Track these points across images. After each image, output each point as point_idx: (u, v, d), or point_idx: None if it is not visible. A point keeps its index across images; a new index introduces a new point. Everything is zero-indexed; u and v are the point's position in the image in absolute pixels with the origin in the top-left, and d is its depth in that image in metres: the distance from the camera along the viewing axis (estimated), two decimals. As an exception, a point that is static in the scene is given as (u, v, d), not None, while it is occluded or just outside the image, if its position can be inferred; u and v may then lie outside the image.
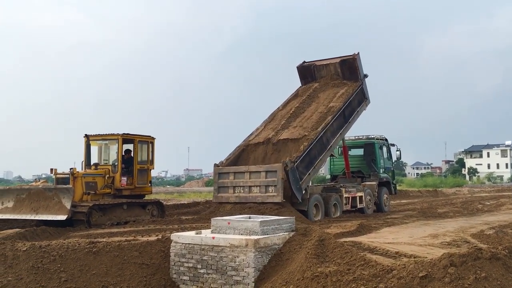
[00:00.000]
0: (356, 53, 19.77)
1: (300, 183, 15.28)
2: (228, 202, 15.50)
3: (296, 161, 15.12)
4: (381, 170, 20.83)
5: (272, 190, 14.63)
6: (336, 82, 19.84)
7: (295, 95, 20.10)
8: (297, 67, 20.93)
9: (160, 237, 9.81)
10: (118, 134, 15.49)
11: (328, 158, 22.35)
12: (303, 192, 15.44)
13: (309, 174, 15.97)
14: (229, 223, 8.90)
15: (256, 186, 15.03)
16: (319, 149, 16.65)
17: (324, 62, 20.56)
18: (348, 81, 19.64)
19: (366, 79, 19.95)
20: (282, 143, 16.76)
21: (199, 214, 16.52)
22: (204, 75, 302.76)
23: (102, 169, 15.31)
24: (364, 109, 19.74)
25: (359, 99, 19.35)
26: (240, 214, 13.00)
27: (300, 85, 20.78)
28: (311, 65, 20.78)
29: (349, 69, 19.76)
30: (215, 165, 16.43)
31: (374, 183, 19.80)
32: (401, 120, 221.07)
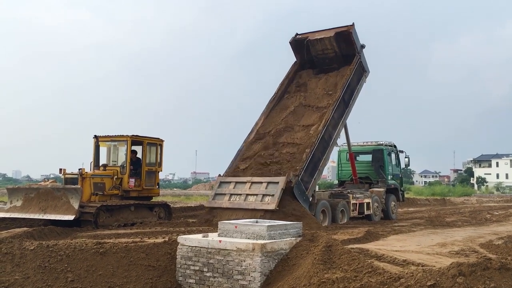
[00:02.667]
0: (350, 25, 18.80)
1: (306, 193, 15.12)
2: (220, 207, 15.12)
3: (300, 173, 14.90)
4: (389, 177, 20.72)
5: (268, 199, 14.26)
6: (330, 67, 19.25)
7: (288, 84, 19.37)
8: (290, 42, 19.83)
9: (167, 240, 9.81)
10: (127, 136, 15.55)
11: (336, 165, 22.28)
12: (310, 199, 15.35)
13: (314, 179, 15.76)
14: (236, 226, 8.89)
15: (254, 195, 14.66)
16: (322, 149, 16.28)
17: (318, 36, 19.38)
18: (343, 58, 18.87)
19: (363, 50, 19.09)
20: (283, 149, 16.49)
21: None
22: (214, 78, 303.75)
23: (111, 170, 15.38)
24: (364, 82, 19.06)
25: (358, 75, 18.59)
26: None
27: (295, 59, 19.95)
28: (304, 38, 19.60)
29: (345, 41, 18.86)
30: (219, 175, 16.36)
31: (382, 189, 19.69)
32: (409, 127, 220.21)
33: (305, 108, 18.14)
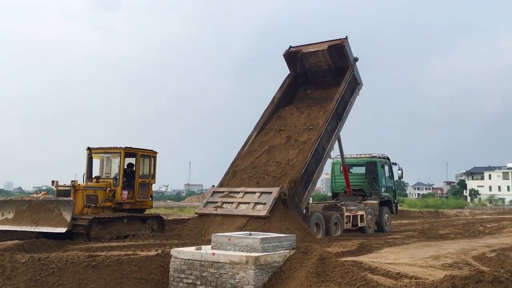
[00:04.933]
0: (344, 38, 18.88)
1: (300, 205, 15.12)
2: (210, 213, 15.11)
3: (294, 185, 14.91)
4: (383, 189, 20.79)
5: (260, 207, 14.28)
6: (324, 79, 19.44)
7: (283, 96, 19.40)
8: (283, 55, 19.87)
9: (160, 252, 9.76)
10: (120, 148, 15.52)
11: (330, 177, 22.31)
12: (304, 211, 15.33)
13: (308, 191, 15.78)
14: (229, 239, 8.85)
15: (246, 203, 14.70)
16: (316, 162, 16.31)
17: (311, 49, 19.45)
18: (337, 70, 19.00)
19: (356, 63, 19.14)
20: (277, 162, 16.50)
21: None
22: (207, 90, 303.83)
23: (104, 182, 15.31)
24: (357, 95, 19.15)
25: (351, 88, 18.66)
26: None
27: (289, 72, 19.94)
28: (298, 51, 19.62)
29: (338, 54, 18.98)
30: (213, 186, 16.52)
31: (375, 202, 19.71)
32: (402, 139, 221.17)
33: (304, 124, 18.15)
